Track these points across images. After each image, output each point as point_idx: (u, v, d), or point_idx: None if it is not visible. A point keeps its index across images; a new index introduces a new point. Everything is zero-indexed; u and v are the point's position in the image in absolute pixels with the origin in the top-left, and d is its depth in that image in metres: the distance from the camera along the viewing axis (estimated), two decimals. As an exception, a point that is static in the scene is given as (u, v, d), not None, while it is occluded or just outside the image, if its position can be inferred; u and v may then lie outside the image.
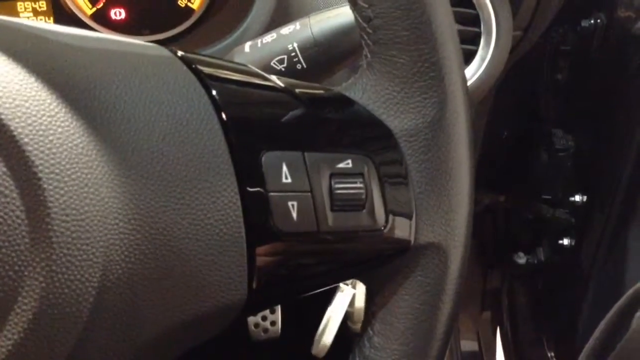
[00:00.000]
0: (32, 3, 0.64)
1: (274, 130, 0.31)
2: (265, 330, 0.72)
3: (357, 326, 0.55)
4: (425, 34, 0.32)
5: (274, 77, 0.34)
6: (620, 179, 0.78)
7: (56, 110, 0.26)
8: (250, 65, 0.36)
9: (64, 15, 0.64)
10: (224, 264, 0.29)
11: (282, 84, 0.33)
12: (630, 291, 0.57)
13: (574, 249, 0.87)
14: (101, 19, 0.64)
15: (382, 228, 0.32)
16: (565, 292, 0.91)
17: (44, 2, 0.64)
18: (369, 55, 0.33)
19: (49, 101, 0.26)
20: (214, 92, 0.30)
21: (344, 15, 0.44)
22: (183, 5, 0.65)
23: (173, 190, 0.28)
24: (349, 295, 0.54)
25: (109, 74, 0.28)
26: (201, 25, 0.66)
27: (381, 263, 0.34)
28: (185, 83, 0.30)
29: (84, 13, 0.64)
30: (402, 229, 0.32)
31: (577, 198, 0.84)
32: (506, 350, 1.07)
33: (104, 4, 0.64)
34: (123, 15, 0.65)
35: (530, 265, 0.95)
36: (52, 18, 0.65)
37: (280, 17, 0.60)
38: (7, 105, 0.25)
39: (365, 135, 0.32)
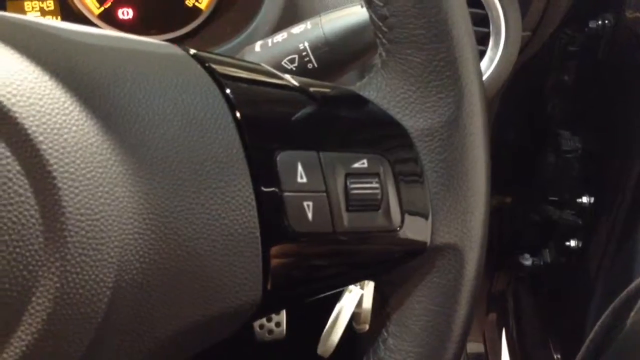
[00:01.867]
0: (40, 2, 0.64)
1: (288, 129, 0.31)
2: (270, 331, 0.71)
3: (362, 327, 0.54)
4: (441, 32, 0.31)
5: (287, 76, 0.33)
6: (628, 180, 0.77)
7: (70, 108, 0.26)
8: (263, 64, 0.36)
9: (71, 15, 0.64)
10: (238, 265, 0.28)
11: (296, 83, 0.33)
12: (624, 292, 0.57)
13: (581, 251, 0.87)
14: (109, 18, 0.64)
15: (398, 229, 0.32)
16: (572, 294, 0.90)
17: (52, 2, 0.64)
18: (383, 54, 0.33)
19: (63, 99, 0.26)
20: (228, 91, 0.30)
21: (355, 14, 0.44)
22: (191, 5, 0.65)
23: (187, 190, 0.27)
24: (357, 296, 0.53)
25: (123, 72, 0.28)
26: (209, 25, 0.65)
27: (397, 264, 0.33)
28: (199, 81, 0.30)
29: (92, 12, 0.64)
30: (418, 229, 0.32)
31: (584, 199, 0.84)
32: (512, 352, 1.06)
33: (112, 3, 0.64)
34: (131, 15, 0.65)
35: (537, 266, 0.94)
36: (59, 17, 0.65)
37: (289, 17, 0.60)
38: (22, 104, 0.25)
39: (381, 135, 0.32)
